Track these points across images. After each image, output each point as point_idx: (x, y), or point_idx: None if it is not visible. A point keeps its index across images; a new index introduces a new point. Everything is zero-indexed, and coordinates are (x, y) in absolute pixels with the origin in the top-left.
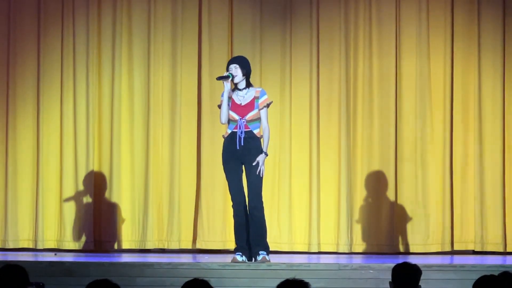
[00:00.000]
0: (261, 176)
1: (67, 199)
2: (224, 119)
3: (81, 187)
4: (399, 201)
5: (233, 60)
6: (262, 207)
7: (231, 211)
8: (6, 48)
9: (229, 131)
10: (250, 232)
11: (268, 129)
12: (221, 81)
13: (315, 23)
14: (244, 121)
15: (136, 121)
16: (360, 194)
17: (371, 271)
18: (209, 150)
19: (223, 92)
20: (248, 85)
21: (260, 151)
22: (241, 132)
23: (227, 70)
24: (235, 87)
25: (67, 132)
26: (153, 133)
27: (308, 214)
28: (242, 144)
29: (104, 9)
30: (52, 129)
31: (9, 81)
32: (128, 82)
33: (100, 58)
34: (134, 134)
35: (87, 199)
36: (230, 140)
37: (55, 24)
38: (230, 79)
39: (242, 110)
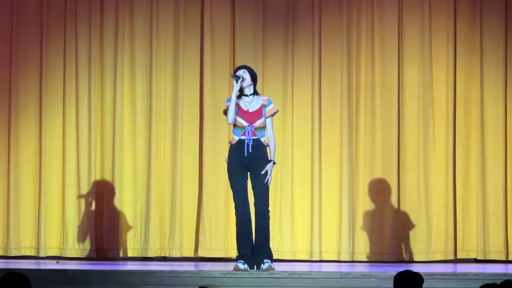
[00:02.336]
0: (268, 184)
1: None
2: (231, 120)
3: (83, 195)
4: (401, 210)
5: (241, 67)
6: (269, 216)
7: (233, 219)
8: (8, 55)
9: (236, 138)
10: (255, 240)
11: (274, 138)
12: (223, 86)
13: (317, 31)
14: (252, 128)
15: (138, 128)
16: (362, 202)
17: (373, 279)
18: (211, 158)
19: (229, 97)
20: (255, 92)
21: (267, 159)
22: (249, 140)
23: (235, 73)
24: (241, 93)
25: (69, 140)
26: (155, 140)
27: (310, 222)
28: (250, 151)
29: (106, 15)
30: (54, 137)
31: (11, 88)
32: (130, 89)
33: (102, 65)
34: (136, 141)
35: (89, 207)
36: (237, 147)
37: (57, 31)
38: (241, 80)
39: (250, 117)
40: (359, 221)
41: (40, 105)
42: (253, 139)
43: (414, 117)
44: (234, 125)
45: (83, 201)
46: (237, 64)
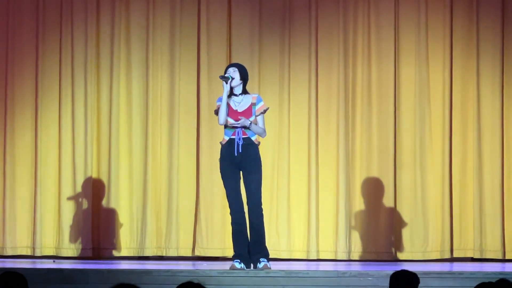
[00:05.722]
0: (247, 125)
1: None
2: (222, 120)
3: (79, 194)
4: (398, 209)
5: (232, 64)
6: (262, 214)
7: (229, 218)
8: (4, 55)
9: (226, 138)
10: (251, 238)
11: (265, 133)
12: (220, 86)
13: (313, 30)
14: (242, 128)
15: (135, 128)
16: (359, 201)
17: (370, 278)
18: (208, 157)
19: (220, 97)
20: (244, 91)
21: (258, 158)
22: (239, 139)
23: (225, 73)
24: (231, 93)
25: (65, 139)
26: (151, 140)
27: (306, 221)
28: (240, 151)
29: (102, 16)
30: (50, 136)
31: (7, 88)
32: (126, 89)
33: (98, 65)
34: (132, 141)
35: (85, 206)
36: (228, 147)
37: (53, 32)
38: (230, 80)
39: (240, 116)
40: (356, 220)
41: (36, 105)
42: (243, 138)
43: (410, 115)
44: (225, 125)
45: (79, 200)
46: None
